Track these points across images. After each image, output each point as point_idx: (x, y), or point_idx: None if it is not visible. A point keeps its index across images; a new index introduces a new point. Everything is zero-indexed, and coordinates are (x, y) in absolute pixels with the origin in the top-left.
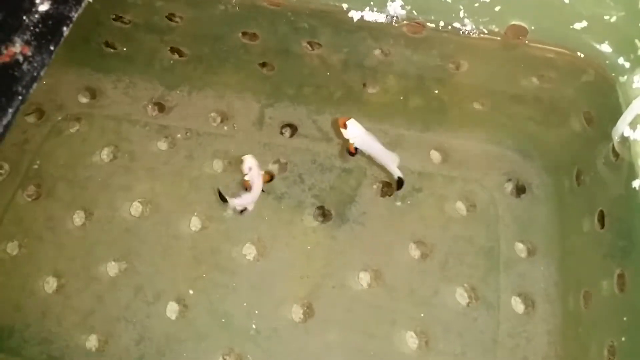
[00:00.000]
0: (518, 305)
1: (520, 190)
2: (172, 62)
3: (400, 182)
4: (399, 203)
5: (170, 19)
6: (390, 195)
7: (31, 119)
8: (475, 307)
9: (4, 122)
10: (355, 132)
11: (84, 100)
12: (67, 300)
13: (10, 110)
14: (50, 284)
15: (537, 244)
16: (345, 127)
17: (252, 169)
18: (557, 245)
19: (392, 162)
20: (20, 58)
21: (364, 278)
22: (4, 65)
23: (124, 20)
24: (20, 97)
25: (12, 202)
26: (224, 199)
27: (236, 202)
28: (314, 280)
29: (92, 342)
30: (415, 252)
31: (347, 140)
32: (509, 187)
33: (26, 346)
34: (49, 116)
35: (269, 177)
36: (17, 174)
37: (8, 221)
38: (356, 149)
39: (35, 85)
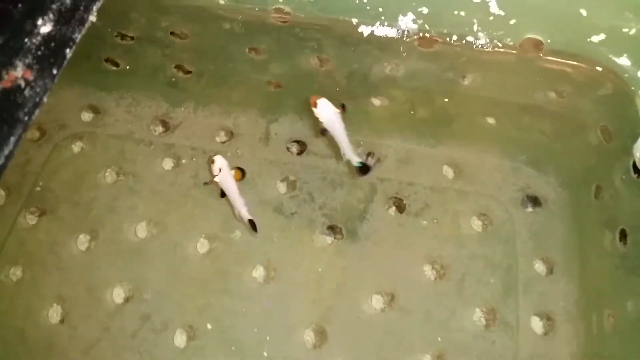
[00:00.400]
0: (538, 326)
1: (536, 205)
2: (176, 79)
3: (364, 169)
4: (412, 220)
5: (175, 36)
6: (402, 212)
7: (33, 138)
8: (494, 329)
9: (6, 152)
10: (325, 112)
11: (86, 118)
12: (73, 330)
13: (12, 139)
14: (55, 313)
15: (555, 260)
16: (316, 105)
17: (222, 169)
18: (577, 262)
19: (351, 149)
20: (22, 83)
21: (378, 301)
22: (5, 91)
23: (127, 37)
24: (22, 125)
25: (14, 225)
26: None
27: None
28: (326, 304)
29: None
30: (430, 272)
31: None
32: (525, 202)
33: None
34: (50, 135)
35: (241, 175)
36: (19, 196)
37: (11, 245)
38: (325, 130)
39: (37, 111)
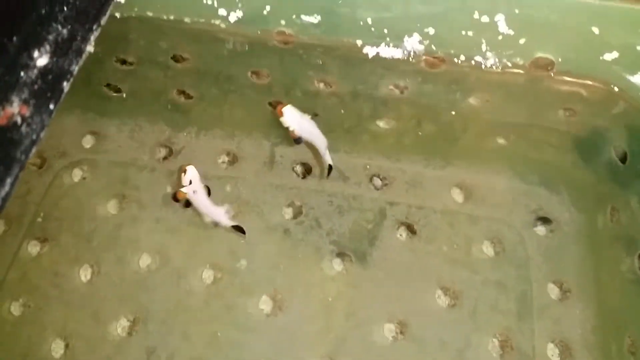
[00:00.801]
0: (554, 354)
1: (549, 227)
2: (177, 103)
3: (330, 169)
4: (423, 245)
5: (176, 59)
6: (412, 238)
7: (32, 167)
8: (510, 358)
9: (2, 193)
10: (292, 119)
11: (87, 145)
12: None
13: (8, 180)
14: (58, 347)
15: (570, 285)
16: (282, 114)
17: (192, 182)
18: (593, 287)
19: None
20: (19, 119)
21: (390, 330)
22: (2, 129)
23: (127, 62)
24: (19, 164)
25: (15, 257)
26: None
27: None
28: (336, 335)
29: None
30: (443, 299)
31: (288, 128)
32: (537, 224)
33: None
34: (51, 164)
35: (207, 191)
36: (20, 228)
37: (12, 278)
38: (299, 138)
39: (34, 149)
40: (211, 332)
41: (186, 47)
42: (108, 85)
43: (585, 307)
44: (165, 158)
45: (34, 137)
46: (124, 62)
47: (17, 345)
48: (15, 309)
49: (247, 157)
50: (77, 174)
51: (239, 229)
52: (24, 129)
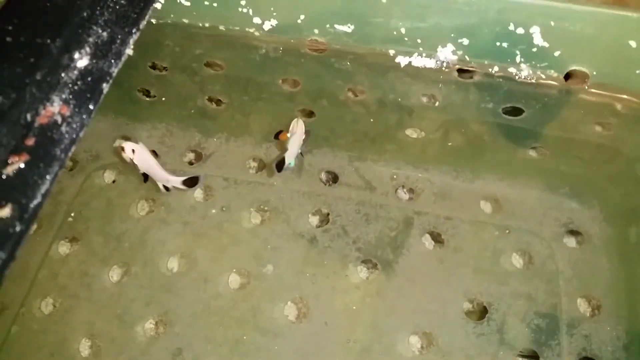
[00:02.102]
0: None
1: (580, 241)
2: (208, 110)
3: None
4: (450, 255)
5: (208, 66)
6: (440, 248)
7: (66, 167)
8: None
9: (42, 190)
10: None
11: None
12: None
13: (48, 177)
14: (86, 347)
15: (601, 300)
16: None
17: (136, 150)
18: (625, 303)
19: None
20: (59, 119)
21: (416, 342)
22: (42, 127)
23: (160, 67)
24: (59, 163)
25: (46, 256)
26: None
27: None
28: (361, 345)
29: None
30: (470, 312)
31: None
32: (569, 238)
33: None
34: (83, 166)
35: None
36: (51, 227)
37: (42, 277)
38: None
39: (74, 148)
40: (236, 337)
41: (219, 54)
42: (141, 90)
43: (616, 324)
44: (194, 162)
45: (74, 136)
46: (156, 67)
47: (46, 343)
48: (45, 307)
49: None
50: (108, 177)
51: (190, 181)
52: (64, 128)
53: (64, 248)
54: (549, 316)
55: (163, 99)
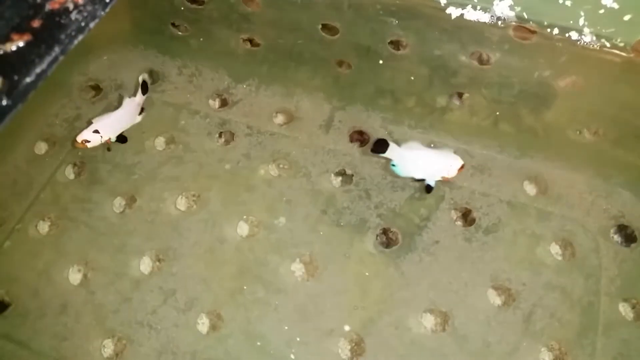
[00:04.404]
0: None
1: (630, 238)
2: (242, 53)
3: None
4: (481, 235)
5: (247, 4)
6: (470, 225)
7: (87, 95)
8: None
9: (38, 70)
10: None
11: None
12: (90, 295)
13: (47, 58)
14: (76, 274)
15: None
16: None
17: (99, 130)
18: None
19: None
20: (71, 5)
21: (429, 320)
22: (52, 12)
23: (197, 1)
24: (61, 47)
25: (52, 178)
26: None
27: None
28: (368, 314)
29: (108, 347)
30: (495, 298)
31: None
32: (618, 233)
33: (37, 338)
34: (105, 94)
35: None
36: (61, 150)
37: (44, 198)
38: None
39: (81, 37)
40: (236, 285)
41: None
42: (174, 24)
43: None
44: (220, 107)
45: (83, 24)
46: (194, 0)
47: (36, 263)
48: (42, 228)
49: (304, 118)
50: None
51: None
52: (74, 15)
53: (70, 172)
54: (585, 314)
55: (197, 35)
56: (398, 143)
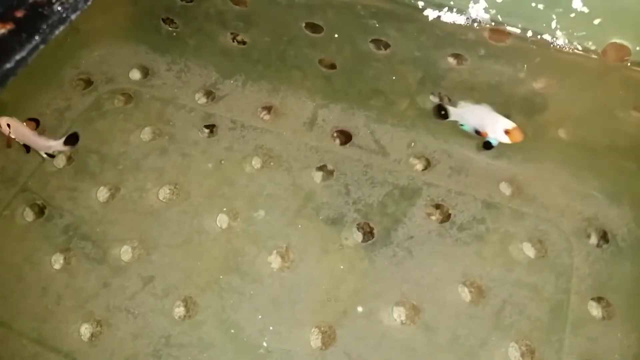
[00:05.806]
0: None
1: (602, 239)
2: (230, 49)
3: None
4: (455, 232)
5: (234, 2)
6: (445, 222)
7: (78, 87)
8: None
9: (17, 56)
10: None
11: (135, 77)
12: (72, 280)
13: (27, 46)
14: (58, 260)
15: (616, 306)
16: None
17: (11, 124)
18: None
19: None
20: None
21: (400, 313)
22: (36, 3)
23: None
24: (41, 36)
25: (40, 166)
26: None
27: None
28: (341, 305)
29: (87, 328)
30: (466, 293)
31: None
32: (590, 234)
33: (19, 319)
34: (96, 87)
35: (35, 125)
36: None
37: (32, 186)
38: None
39: (62, 27)
40: (213, 275)
41: None
42: (165, 21)
43: (629, 332)
44: (206, 102)
45: (64, 15)
46: None
47: (22, 248)
48: (28, 214)
49: (288, 114)
50: (118, 101)
51: (70, 139)
52: (56, 7)
53: (58, 161)
54: (554, 311)
55: (186, 32)
56: (454, 104)
